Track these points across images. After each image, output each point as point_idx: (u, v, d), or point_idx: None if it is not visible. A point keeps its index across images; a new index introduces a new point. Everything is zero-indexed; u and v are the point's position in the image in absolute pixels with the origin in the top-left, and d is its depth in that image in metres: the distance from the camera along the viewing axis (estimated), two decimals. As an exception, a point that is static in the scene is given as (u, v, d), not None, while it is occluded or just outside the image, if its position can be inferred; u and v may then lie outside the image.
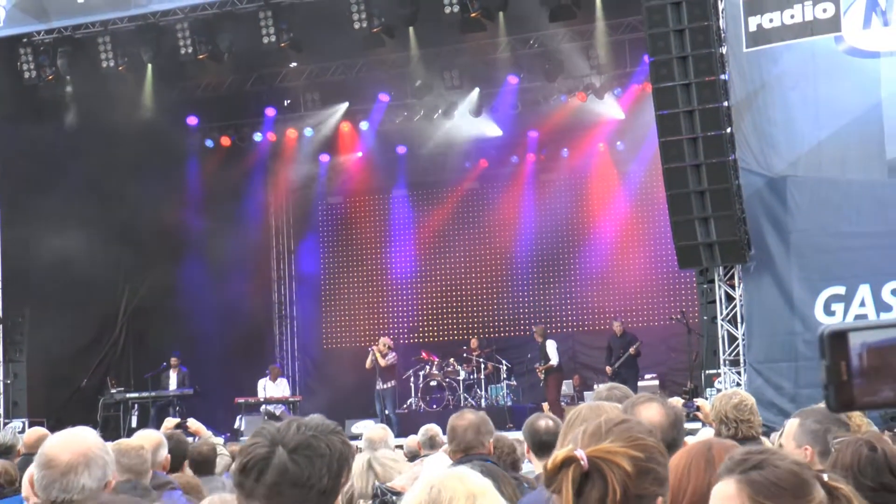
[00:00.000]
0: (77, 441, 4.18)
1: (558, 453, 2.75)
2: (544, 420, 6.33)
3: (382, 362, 23.25)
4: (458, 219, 28.47)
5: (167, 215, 25.32)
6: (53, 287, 23.69)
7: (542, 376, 23.61)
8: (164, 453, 7.13)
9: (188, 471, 8.33)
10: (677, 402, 8.72)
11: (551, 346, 23.68)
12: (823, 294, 17.85)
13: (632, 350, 22.96)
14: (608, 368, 23.10)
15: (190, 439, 9.78)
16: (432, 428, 10.23)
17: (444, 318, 28.44)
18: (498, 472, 6.05)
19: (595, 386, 19.01)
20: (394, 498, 5.78)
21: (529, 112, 25.63)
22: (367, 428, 10.05)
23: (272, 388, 24.35)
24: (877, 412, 13.53)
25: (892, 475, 4.61)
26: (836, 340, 1.78)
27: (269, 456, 3.16)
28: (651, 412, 4.63)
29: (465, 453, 6.39)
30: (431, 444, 9.91)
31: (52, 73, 22.99)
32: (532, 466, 6.90)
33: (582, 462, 2.71)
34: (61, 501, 4.09)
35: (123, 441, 7.04)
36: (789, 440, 5.72)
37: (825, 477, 2.77)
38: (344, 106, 26.42)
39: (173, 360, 24.07)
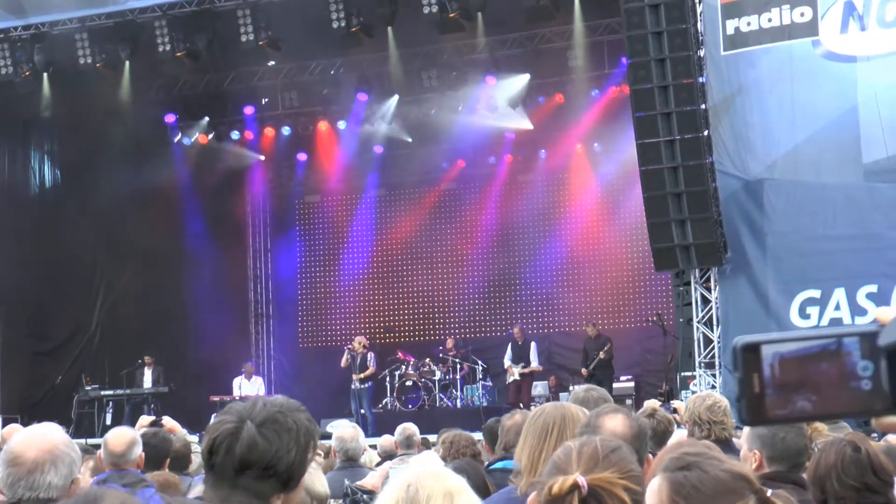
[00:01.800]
0: (43, 438, 4.15)
1: (565, 480, 2.80)
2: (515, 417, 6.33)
3: (371, 369, 23.25)
4: (434, 219, 28.46)
5: (143, 213, 25.22)
6: (28, 283, 23.61)
7: (517, 377, 23.54)
8: (139, 451, 7.08)
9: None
10: (654, 403, 8.74)
11: (534, 349, 23.77)
12: (799, 297, 17.90)
13: (601, 354, 22.94)
14: (584, 371, 23.10)
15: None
16: (409, 427, 10.20)
17: (420, 318, 28.43)
18: (481, 470, 6.06)
19: (571, 387, 19.00)
20: (365, 497, 5.76)
21: (507, 113, 25.63)
22: (337, 427, 10.02)
23: (247, 386, 24.29)
24: (853, 421, 13.58)
25: (874, 475, 4.64)
26: (749, 353, 1.78)
27: (238, 431, 3.20)
28: (615, 423, 4.61)
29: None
30: (409, 443, 9.89)
31: (29, 69, 22.89)
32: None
33: (583, 489, 2.78)
34: (27, 499, 4.06)
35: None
36: (742, 443, 5.76)
37: (769, 492, 2.77)
38: (321, 105, 26.39)
39: (147, 359, 23.98)
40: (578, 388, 6.27)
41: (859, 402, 1.76)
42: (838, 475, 4.60)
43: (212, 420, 3.48)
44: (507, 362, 23.89)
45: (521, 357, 23.72)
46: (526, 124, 25.67)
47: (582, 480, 2.77)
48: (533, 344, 23.95)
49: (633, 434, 4.57)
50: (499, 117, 25.61)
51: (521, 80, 24.55)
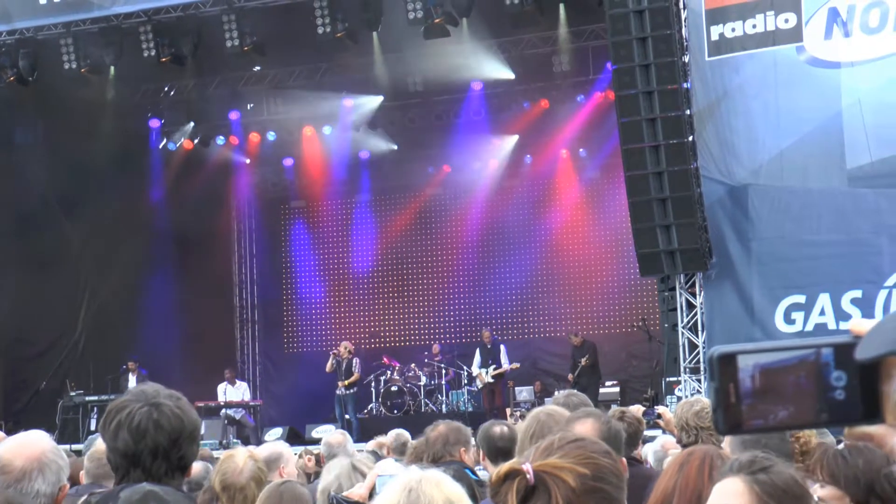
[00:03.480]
0: (31, 446, 4.15)
1: (503, 465, 2.72)
2: (499, 426, 6.34)
3: (356, 375, 23.25)
4: (420, 224, 28.47)
5: (129, 218, 25.19)
6: (12, 288, 23.52)
7: (490, 380, 23.40)
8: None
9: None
10: (638, 409, 8.75)
11: (504, 351, 23.70)
12: (784, 302, 17.93)
13: (583, 361, 22.94)
14: (570, 377, 23.12)
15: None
16: (403, 434, 10.21)
17: (406, 324, 28.42)
18: (467, 479, 6.06)
19: (555, 392, 19.01)
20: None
21: (493, 118, 25.66)
22: (326, 433, 10.01)
23: (232, 391, 24.26)
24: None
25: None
26: (726, 363, 1.79)
27: (138, 409, 3.53)
28: (586, 428, 4.62)
29: (434, 463, 6.41)
30: (402, 449, 9.88)
31: (14, 74, 22.81)
32: (487, 473, 6.92)
33: (528, 475, 2.66)
34: (15, 507, 4.06)
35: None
36: (727, 448, 5.72)
37: (815, 498, 2.87)
38: (307, 111, 26.39)
39: (131, 364, 23.93)
40: (559, 394, 6.34)
41: (833, 412, 1.77)
42: (887, 477, 4.65)
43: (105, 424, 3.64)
44: (475, 369, 23.72)
45: (490, 360, 23.58)
46: (511, 129, 25.75)
47: (527, 466, 2.67)
48: (502, 346, 23.86)
49: (604, 438, 4.58)
50: (484, 122, 25.70)
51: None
